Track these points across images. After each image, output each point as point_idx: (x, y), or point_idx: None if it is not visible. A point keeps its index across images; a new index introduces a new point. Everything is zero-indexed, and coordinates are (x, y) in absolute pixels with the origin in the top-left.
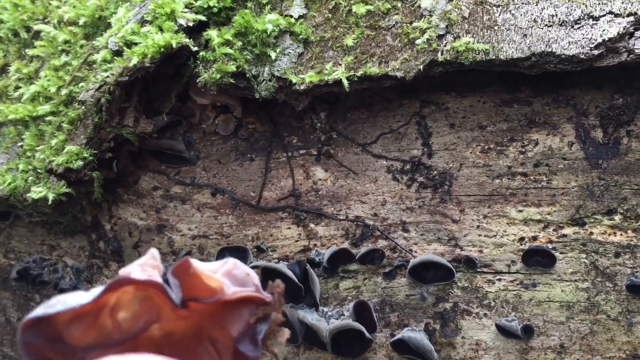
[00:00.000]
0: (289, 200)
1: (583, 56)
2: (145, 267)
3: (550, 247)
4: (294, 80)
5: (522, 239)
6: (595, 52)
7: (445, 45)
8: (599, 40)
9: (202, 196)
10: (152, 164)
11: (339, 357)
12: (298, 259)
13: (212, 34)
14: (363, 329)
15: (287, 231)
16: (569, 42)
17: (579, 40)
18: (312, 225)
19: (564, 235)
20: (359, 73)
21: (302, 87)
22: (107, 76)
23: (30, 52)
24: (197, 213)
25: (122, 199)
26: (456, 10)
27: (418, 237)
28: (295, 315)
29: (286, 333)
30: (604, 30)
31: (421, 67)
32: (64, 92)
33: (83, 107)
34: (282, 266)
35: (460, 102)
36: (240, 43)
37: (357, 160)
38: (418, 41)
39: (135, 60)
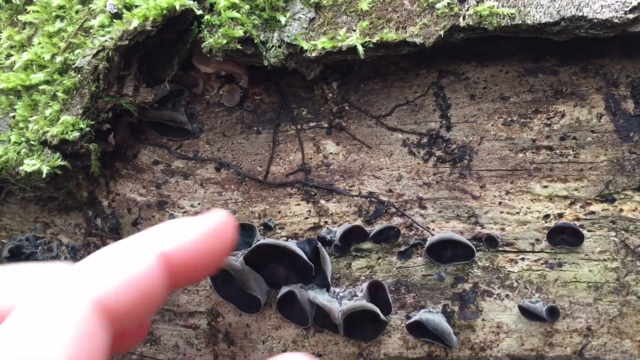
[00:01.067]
0: (298, 175)
1: (617, 20)
2: None
3: (577, 224)
4: (305, 47)
5: (547, 216)
6: (630, 15)
7: (467, 10)
8: (635, 3)
9: (205, 171)
10: (153, 137)
11: (351, 340)
12: (308, 237)
13: None
14: (377, 310)
15: (296, 208)
16: (601, 5)
17: (613, 4)
18: (322, 201)
19: (592, 212)
20: (375, 39)
21: (314, 54)
22: (106, 40)
23: (22, 18)
24: (200, 189)
25: (121, 173)
26: None
27: (436, 214)
28: (306, 296)
29: None
30: None
31: (442, 32)
32: (58, 59)
33: (79, 75)
34: (292, 244)
35: (481, 71)
36: (247, 7)
37: (370, 133)
38: (438, 5)
39: (135, 23)
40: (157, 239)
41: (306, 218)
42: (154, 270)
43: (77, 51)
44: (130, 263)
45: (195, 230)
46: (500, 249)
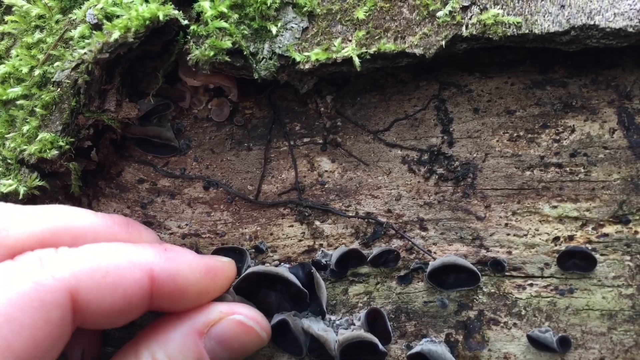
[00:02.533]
0: (292, 194)
1: (631, 29)
2: None
3: (589, 248)
4: (298, 59)
5: (556, 238)
6: None
7: (470, 19)
8: None
9: (193, 190)
10: (137, 154)
11: None
12: (302, 260)
13: (205, 5)
14: (376, 340)
15: (289, 229)
16: (614, 14)
17: (626, 12)
18: (317, 222)
19: (605, 235)
20: (372, 50)
21: (307, 66)
22: (85, 53)
23: (0, 28)
24: (187, 209)
25: (104, 192)
26: None
27: (438, 237)
28: (299, 325)
29: None
30: None
31: (443, 43)
32: (37, 72)
33: (58, 89)
34: (284, 270)
35: (485, 83)
36: (236, 16)
37: (368, 150)
38: (439, 13)
39: (116, 35)
40: (152, 255)
41: (300, 240)
42: (137, 285)
43: (56, 63)
44: (118, 270)
45: (193, 264)
46: (507, 273)
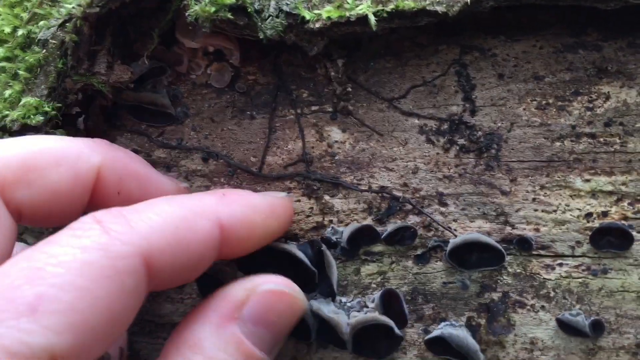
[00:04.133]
0: (299, 166)
1: None
2: None
3: (625, 224)
4: (308, 17)
5: (589, 214)
6: None
7: None
8: None
9: (191, 162)
10: (130, 123)
11: (360, 357)
12: (310, 238)
13: None
14: (392, 324)
15: (296, 204)
16: None
17: None
18: (327, 197)
19: None
20: (389, 8)
21: (317, 25)
22: (73, 7)
23: None
24: (185, 182)
25: None
26: None
27: (458, 212)
28: (308, 307)
29: None
30: None
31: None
32: (20, 32)
33: (44, 50)
34: (291, 247)
35: (511, 47)
36: None
37: (382, 119)
38: None
39: None
40: (216, 202)
41: (308, 216)
42: (208, 237)
43: (41, 23)
44: (187, 224)
45: (257, 205)
46: (534, 252)
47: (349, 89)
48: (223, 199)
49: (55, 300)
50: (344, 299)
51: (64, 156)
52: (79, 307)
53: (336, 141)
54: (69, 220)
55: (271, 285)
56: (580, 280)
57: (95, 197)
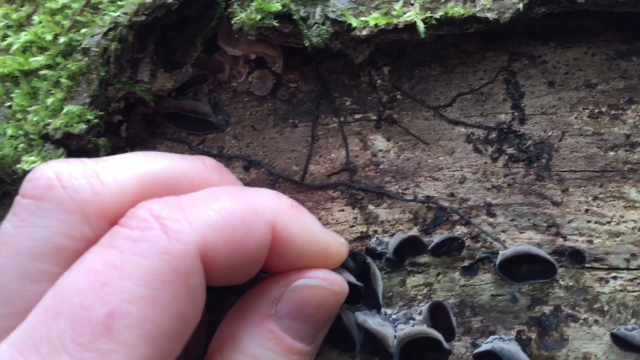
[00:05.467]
0: (342, 176)
1: None
2: None
3: None
4: (355, 24)
5: None
6: None
7: None
8: None
9: (232, 170)
10: (171, 131)
11: None
12: (354, 248)
13: None
14: (441, 337)
15: (339, 214)
16: None
17: None
18: (371, 206)
19: None
20: (438, 14)
21: (364, 32)
22: (118, 16)
23: None
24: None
25: None
26: None
27: (507, 223)
28: (353, 319)
29: None
30: None
31: (520, 6)
32: (62, 40)
33: (86, 58)
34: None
35: (562, 54)
36: None
37: (427, 127)
38: None
39: None
40: (276, 205)
41: (352, 226)
42: (263, 241)
43: (83, 30)
44: (245, 225)
45: (315, 236)
46: (587, 265)
47: (397, 96)
48: (289, 209)
49: (127, 314)
50: (389, 311)
51: (177, 186)
52: (149, 317)
53: (380, 150)
54: None
55: (303, 281)
56: (635, 294)
57: None
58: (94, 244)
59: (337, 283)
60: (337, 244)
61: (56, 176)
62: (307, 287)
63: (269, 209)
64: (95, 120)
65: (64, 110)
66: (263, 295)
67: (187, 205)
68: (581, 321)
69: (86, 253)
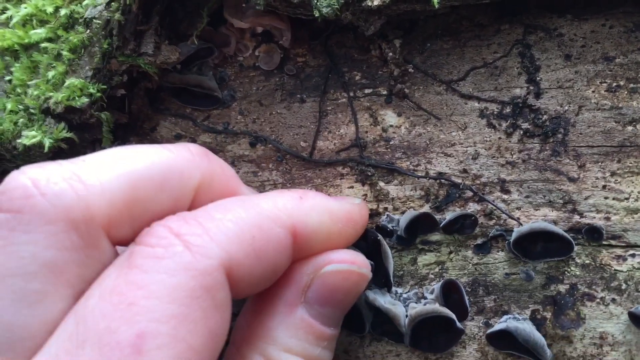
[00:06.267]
0: (352, 151)
1: None
2: None
3: None
4: None
5: None
6: None
7: None
8: None
9: (238, 147)
10: (175, 106)
11: (416, 352)
12: None
13: None
14: (454, 316)
15: (349, 191)
16: None
17: None
18: (381, 183)
19: None
20: None
21: (376, 2)
22: None
23: None
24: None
25: None
26: None
27: (522, 200)
28: (363, 297)
29: None
30: None
31: None
32: (63, 12)
33: (88, 30)
34: None
35: (579, 26)
36: None
37: (440, 102)
38: None
39: None
40: (291, 207)
41: None
42: (283, 246)
43: (85, 2)
44: (263, 233)
45: (334, 212)
46: (604, 242)
47: (410, 70)
48: (300, 202)
49: (157, 334)
50: (400, 290)
51: (166, 179)
52: (180, 335)
53: (391, 125)
54: None
55: (335, 267)
56: None
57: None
58: (87, 254)
59: (365, 265)
60: (356, 208)
61: (33, 183)
62: (337, 272)
63: (284, 212)
64: (98, 94)
65: (66, 84)
66: (290, 283)
67: (203, 219)
68: (598, 300)
69: (103, 275)
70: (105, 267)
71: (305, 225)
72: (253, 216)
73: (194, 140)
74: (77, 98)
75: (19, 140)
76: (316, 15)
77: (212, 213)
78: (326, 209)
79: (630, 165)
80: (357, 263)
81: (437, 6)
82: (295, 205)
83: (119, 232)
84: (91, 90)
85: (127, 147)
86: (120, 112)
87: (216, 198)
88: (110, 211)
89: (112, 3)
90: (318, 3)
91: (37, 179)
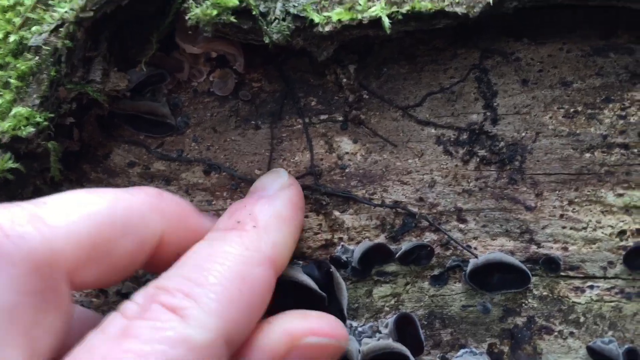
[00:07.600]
0: (306, 179)
1: None
2: None
3: None
4: (317, 20)
5: (622, 232)
6: None
7: None
8: None
9: (192, 174)
10: (128, 133)
11: None
12: (319, 256)
13: None
14: (407, 352)
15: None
16: None
17: None
18: (336, 212)
19: None
20: (404, 9)
21: (327, 28)
22: (65, 12)
23: None
24: (185, 197)
25: (89, 178)
26: None
27: (479, 230)
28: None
29: None
30: None
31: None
32: (12, 39)
33: (37, 57)
34: (297, 271)
35: (536, 51)
36: None
37: (396, 128)
38: None
39: None
40: (257, 243)
41: (316, 233)
42: (267, 281)
43: (34, 28)
44: (250, 286)
45: (282, 216)
46: (562, 274)
47: (365, 96)
48: (259, 230)
49: None
50: (354, 324)
51: (129, 222)
52: None
53: (347, 152)
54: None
55: (316, 340)
56: (612, 304)
57: (154, 259)
58: (45, 299)
59: (344, 338)
60: (291, 191)
61: None
62: (316, 346)
63: (253, 250)
64: (45, 123)
65: (12, 113)
66: (265, 348)
67: (189, 287)
68: (556, 333)
69: (85, 342)
70: (61, 313)
71: (275, 246)
72: (234, 267)
73: (147, 168)
74: (22, 127)
75: None
76: (267, 41)
77: (198, 279)
78: (277, 217)
79: (588, 193)
80: (336, 336)
81: (388, 32)
82: (257, 235)
83: (83, 275)
84: (38, 119)
85: (87, 190)
86: (70, 139)
87: (181, 238)
88: (75, 253)
89: (59, 29)
90: (268, 29)
91: (0, 220)
